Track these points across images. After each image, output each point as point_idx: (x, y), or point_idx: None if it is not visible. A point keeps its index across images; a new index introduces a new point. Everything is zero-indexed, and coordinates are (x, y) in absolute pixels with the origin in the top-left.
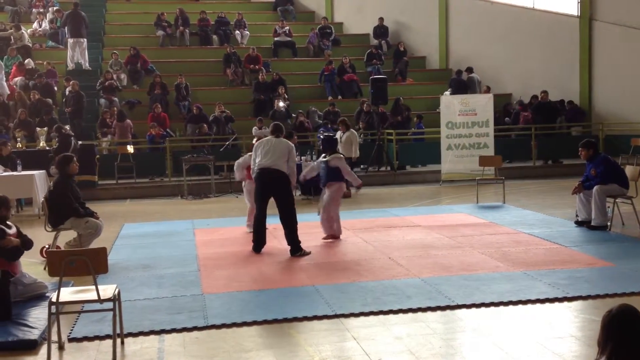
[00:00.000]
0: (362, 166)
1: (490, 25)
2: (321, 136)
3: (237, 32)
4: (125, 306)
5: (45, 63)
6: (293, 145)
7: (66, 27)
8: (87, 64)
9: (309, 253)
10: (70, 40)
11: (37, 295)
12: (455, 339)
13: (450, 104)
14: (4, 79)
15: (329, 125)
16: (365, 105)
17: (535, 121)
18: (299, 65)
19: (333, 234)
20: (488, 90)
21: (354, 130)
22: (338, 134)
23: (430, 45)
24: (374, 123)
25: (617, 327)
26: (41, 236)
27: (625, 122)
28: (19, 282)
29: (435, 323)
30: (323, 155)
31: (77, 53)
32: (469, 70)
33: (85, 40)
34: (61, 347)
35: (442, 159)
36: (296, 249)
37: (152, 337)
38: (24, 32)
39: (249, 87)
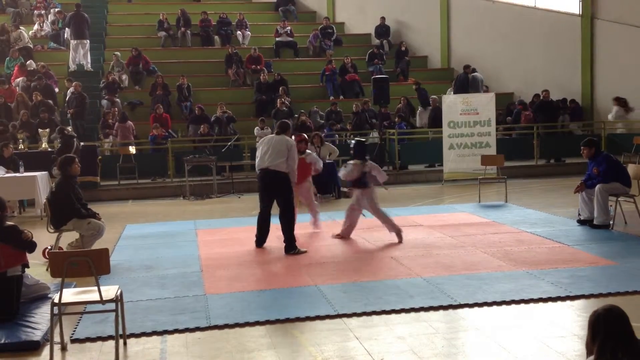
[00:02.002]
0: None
1: (491, 24)
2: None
3: (239, 32)
4: (128, 307)
5: (39, 66)
6: (294, 143)
7: (69, 29)
8: (89, 65)
9: (304, 252)
10: (73, 42)
11: (39, 296)
12: (457, 339)
13: (452, 104)
14: None
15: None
16: (354, 105)
17: (536, 120)
18: (300, 66)
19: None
20: (486, 90)
21: (328, 143)
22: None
23: (432, 44)
24: (362, 124)
25: (602, 326)
26: (43, 237)
27: (627, 121)
28: (22, 283)
29: (437, 322)
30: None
31: (79, 54)
32: (473, 70)
33: (88, 41)
34: (64, 348)
35: (444, 159)
36: (291, 247)
37: (154, 337)
38: (22, 31)
39: (250, 88)
